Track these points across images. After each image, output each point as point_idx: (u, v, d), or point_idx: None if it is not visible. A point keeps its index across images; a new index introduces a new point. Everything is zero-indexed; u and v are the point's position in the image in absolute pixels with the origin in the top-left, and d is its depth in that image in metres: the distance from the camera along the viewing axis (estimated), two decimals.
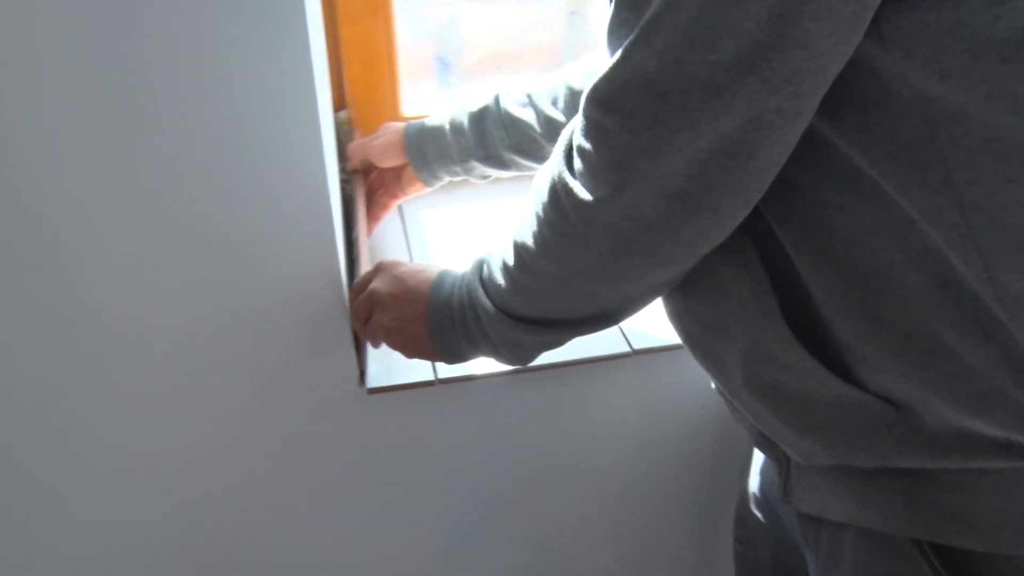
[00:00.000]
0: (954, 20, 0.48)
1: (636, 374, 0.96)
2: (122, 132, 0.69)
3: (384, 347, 0.82)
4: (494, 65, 1.29)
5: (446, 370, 0.88)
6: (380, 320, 0.77)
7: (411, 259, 1.05)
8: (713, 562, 1.18)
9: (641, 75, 0.50)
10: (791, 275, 0.59)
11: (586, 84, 0.54)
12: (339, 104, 1.17)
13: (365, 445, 0.94)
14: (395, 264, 0.78)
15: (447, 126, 0.99)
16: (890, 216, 0.53)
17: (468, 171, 1.02)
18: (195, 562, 0.98)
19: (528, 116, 0.95)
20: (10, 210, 0.71)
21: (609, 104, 0.52)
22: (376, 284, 0.78)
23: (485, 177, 1.04)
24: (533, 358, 0.74)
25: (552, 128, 0.93)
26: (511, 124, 0.96)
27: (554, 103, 0.94)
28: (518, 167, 0.99)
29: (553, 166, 0.59)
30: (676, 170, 0.52)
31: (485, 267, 0.70)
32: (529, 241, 0.62)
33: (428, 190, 1.06)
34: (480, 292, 0.70)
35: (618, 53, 0.51)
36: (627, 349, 0.90)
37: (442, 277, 0.75)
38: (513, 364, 0.74)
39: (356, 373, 0.87)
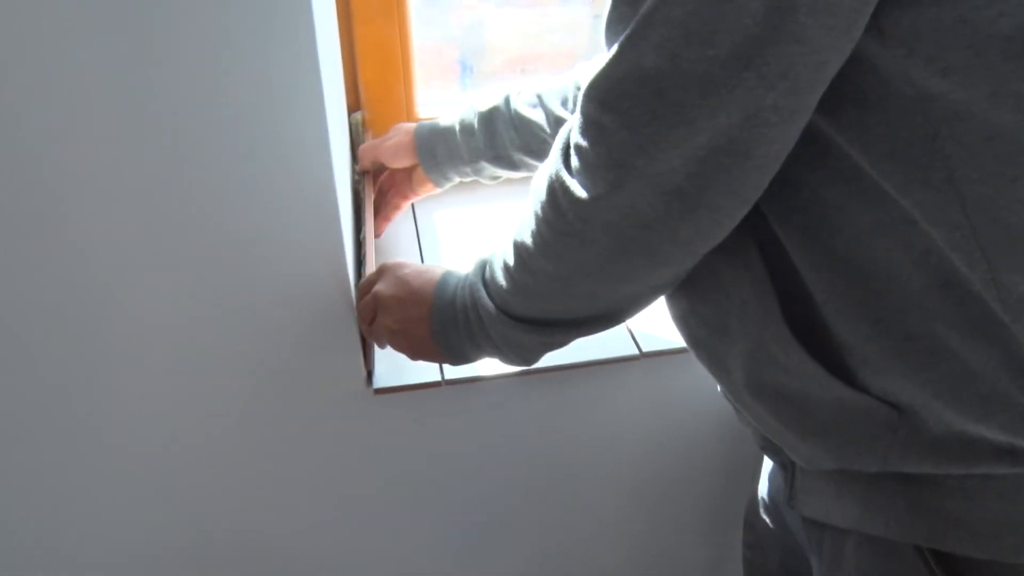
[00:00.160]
0: (956, 17, 0.47)
1: (644, 377, 0.95)
2: (127, 132, 0.70)
3: (391, 348, 0.82)
4: (518, 68, 1.29)
5: (453, 371, 0.88)
6: (384, 322, 0.77)
7: (422, 260, 1.06)
8: (723, 565, 1.17)
9: (638, 71, 0.50)
10: (792, 276, 0.58)
11: (583, 81, 0.54)
12: (354, 106, 1.18)
13: (371, 445, 0.94)
14: (399, 266, 0.78)
15: (457, 127, 1.00)
16: (892, 216, 0.53)
17: (478, 172, 1.02)
18: (198, 562, 0.99)
19: (538, 117, 0.95)
20: (13, 209, 0.71)
21: (606, 101, 0.52)
22: (380, 287, 0.78)
23: (495, 178, 1.04)
24: (537, 359, 0.73)
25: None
26: (521, 125, 0.96)
27: (564, 103, 0.93)
28: (528, 168, 0.99)
29: (551, 164, 0.59)
30: (674, 167, 0.51)
31: (487, 267, 0.70)
32: (528, 241, 0.62)
33: (438, 190, 1.06)
34: (482, 292, 0.70)
35: (614, 48, 0.51)
36: (635, 351, 0.90)
37: (446, 278, 0.75)
38: (517, 365, 0.74)
39: (363, 373, 0.87)
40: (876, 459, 0.59)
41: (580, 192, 0.55)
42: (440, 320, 0.74)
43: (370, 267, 0.86)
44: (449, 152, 1.00)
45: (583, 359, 0.89)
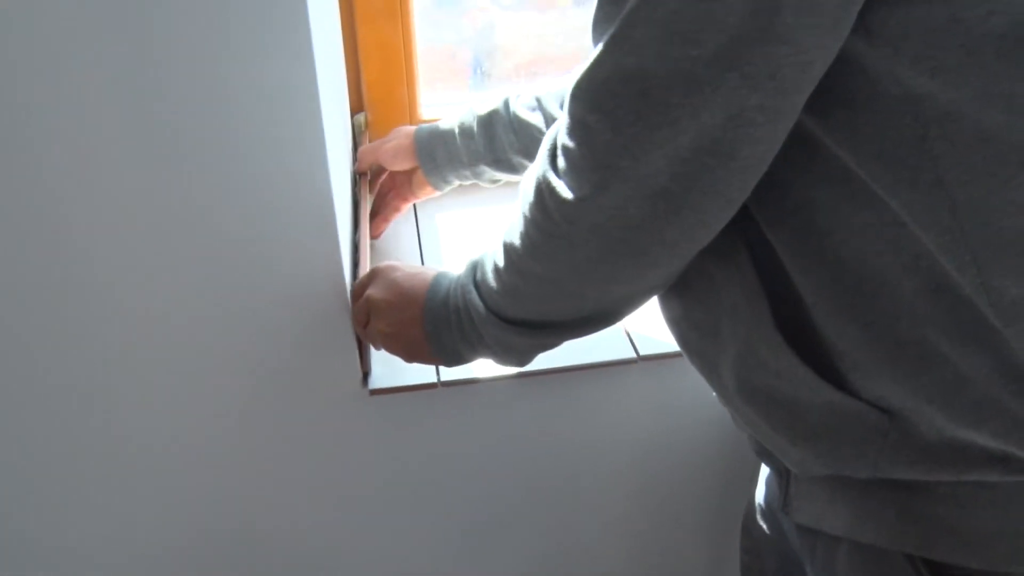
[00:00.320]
0: (947, 15, 0.47)
1: (642, 380, 0.94)
2: (125, 132, 0.70)
3: (386, 351, 0.82)
4: (530, 71, 1.29)
5: (448, 372, 0.87)
6: (377, 326, 0.77)
7: (423, 262, 1.05)
8: (723, 566, 1.16)
9: (622, 71, 0.49)
10: (783, 279, 0.58)
11: (570, 81, 0.54)
12: (357, 107, 1.18)
13: (369, 446, 0.94)
14: (391, 269, 0.78)
15: (457, 130, 0.99)
16: (882, 219, 0.52)
17: (477, 175, 1.02)
18: (195, 562, 0.99)
19: (537, 120, 0.95)
20: (13, 210, 0.72)
21: (591, 101, 0.52)
22: (371, 291, 0.77)
23: (495, 181, 1.03)
24: (530, 360, 0.73)
25: None
26: (520, 128, 0.96)
27: (562, 106, 0.93)
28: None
29: (538, 166, 0.58)
30: (658, 168, 0.51)
31: (479, 269, 0.70)
32: (516, 242, 0.62)
33: (438, 193, 1.06)
34: (474, 294, 0.70)
35: (599, 48, 0.50)
36: (633, 355, 0.89)
37: (438, 280, 0.75)
38: (510, 365, 0.74)
39: (359, 374, 0.87)
40: (867, 464, 0.58)
41: (566, 193, 0.55)
42: (433, 322, 0.73)
43: (364, 270, 0.86)
44: (449, 155, 1.00)
45: (580, 362, 0.88)
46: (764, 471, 0.82)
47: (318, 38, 0.72)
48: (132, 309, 0.79)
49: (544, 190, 0.57)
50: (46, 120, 0.69)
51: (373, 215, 1.07)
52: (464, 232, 1.11)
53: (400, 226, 1.11)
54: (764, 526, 0.81)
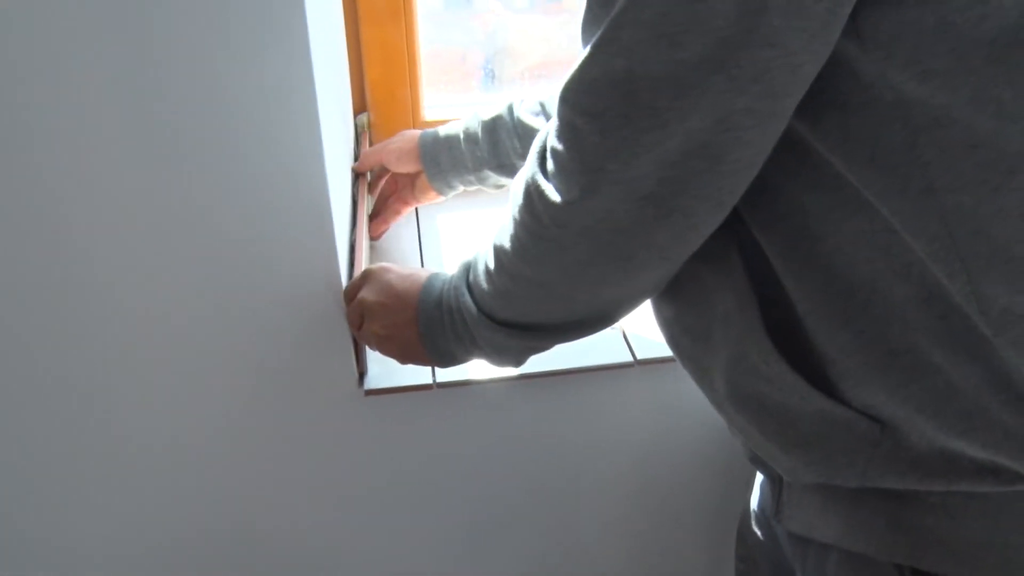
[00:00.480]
0: (937, 19, 0.46)
1: (640, 384, 0.94)
2: (124, 133, 0.70)
3: (380, 353, 0.82)
4: (540, 74, 1.29)
5: (444, 374, 0.87)
6: (371, 328, 0.77)
7: (423, 263, 1.05)
8: (723, 566, 1.15)
9: (610, 73, 0.49)
10: (774, 285, 0.57)
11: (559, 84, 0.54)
12: (360, 107, 1.18)
13: (365, 446, 0.94)
14: (383, 271, 0.78)
15: (461, 135, 0.99)
16: (873, 225, 0.51)
17: (482, 180, 1.02)
18: (193, 562, 0.99)
19: (540, 124, 0.95)
20: (13, 210, 0.72)
21: (579, 103, 0.51)
22: (364, 293, 0.77)
23: (499, 187, 1.03)
24: (523, 361, 0.73)
25: None
26: (524, 133, 0.96)
27: None
28: None
29: (528, 168, 0.58)
30: (647, 172, 0.51)
31: (471, 270, 0.70)
32: (507, 244, 0.62)
33: (441, 199, 1.06)
34: (466, 295, 0.69)
35: (587, 50, 0.50)
36: (630, 359, 0.89)
37: (431, 281, 0.75)
38: (504, 366, 0.73)
39: (355, 375, 0.87)
40: (857, 473, 0.58)
41: (555, 196, 0.55)
42: (427, 323, 0.73)
43: (360, 269, 0.86)
44: (453, 161, 1.00)
45: (576, 365, 0.88)
46: (759, 478, 0.82)
47: (317, 38, 0.72)
48: (131, 309, 0.80)
49: (533, 193, 0.57)
50: (46, 120, 0.69)
51: (373, 216, 1.08)
52: (464, 233, 1.11)
53: (401, 227, 1.11)
54: (759, 533, 0.80)
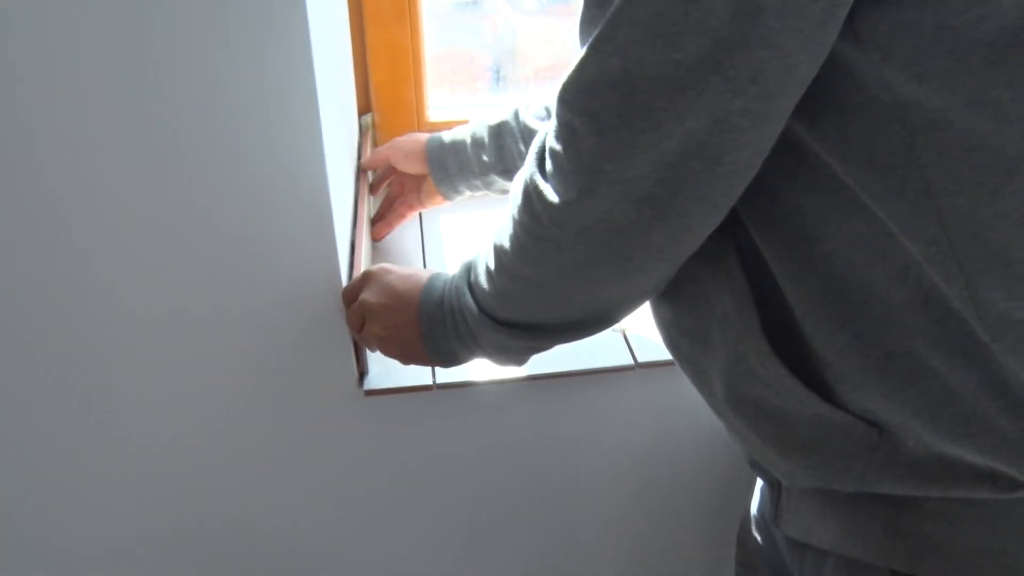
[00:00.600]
0: (935, 21, 0.45)
1: (640, 386, 0.94)
2: (124, 133, 0.70)
3: (381, 354, 0.82)
4: (548, 77, 1.29)
5: (444, 375, 0.87)
6: (372, 330, 0.77)
7: (425, 264, 1.05)
8: (723, 566, 1.14)
9: (606, 74, 0.49)
10: (772, 288, 0.57)
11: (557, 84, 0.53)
12: (365, 108, 1.18)
13: (365, 447, 0.94)
14: (384, 272, 0.78)
15: (468, 140, 1.00)
16: (871, 228, 0.51)
17: (488, 185, 1.02)
18: (193, 562, 0.99)
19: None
20: (13, 210, 0.72)
21: (576, 104, 0.51)
22: (365, 295, 0.77)
23: (505, 191, 1.03)
24: (525, 360, 0.73)
25: None
26: (529, 137, 0.96)
27: None
28: None
29: (527, 168, 0.58)
30: (643, 173, 0.50)
31: (472, 270, 0.70)
32: (506, 244, 0.62)
33: (447, 204, 1.06)
34: (467, 295, 0.69)
35: (584, 50, 0.50)
36: (631, 362, 0.88)
37: (432, 281, 0.74)
38: (506, 366, 0.73)
39: (355, 375, 0.87)
40: (854, 478, 0.57)
41: (553, 196, 0.55)
42: (428, 324, 0.73)
43: (360, 269, 0.86)
44: (460, 165, 1.00)
45: (577, 367, 0.88)
46: (759, 483, 0.81)
47: (318, 39, 0.72)
48: (131, 309, 0.80)
49: (532, 193, 0.57)
50: (46, 120, 0.69)
51: (378, 219, 1.07)
52: (468, 235, 1.11)
53: (404, 228, 1.11)
54: (758, 538, 0.80)
